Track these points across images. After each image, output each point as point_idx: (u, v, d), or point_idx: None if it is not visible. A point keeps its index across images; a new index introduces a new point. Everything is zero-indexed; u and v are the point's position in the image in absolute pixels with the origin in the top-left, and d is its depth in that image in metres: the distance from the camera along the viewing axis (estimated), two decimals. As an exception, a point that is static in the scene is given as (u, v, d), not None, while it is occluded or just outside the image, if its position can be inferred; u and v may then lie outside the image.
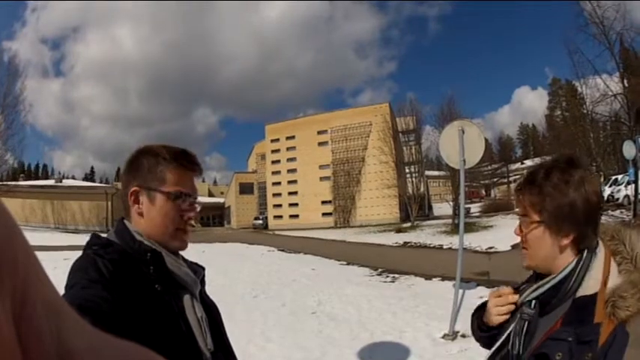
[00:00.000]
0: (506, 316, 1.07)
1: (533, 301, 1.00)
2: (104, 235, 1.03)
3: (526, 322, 1.00)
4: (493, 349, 1.07)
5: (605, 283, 0.93)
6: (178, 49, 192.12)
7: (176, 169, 1.05)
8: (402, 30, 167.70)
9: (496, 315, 1.08)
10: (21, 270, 0.23)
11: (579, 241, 0.97)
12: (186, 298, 1.02)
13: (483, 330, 1.15)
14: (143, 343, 0.29)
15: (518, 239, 1.07)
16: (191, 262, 1.12)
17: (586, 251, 0.97)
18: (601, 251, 0.98)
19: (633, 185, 16.02)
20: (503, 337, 1.05)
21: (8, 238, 0.23)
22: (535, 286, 1.01)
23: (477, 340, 1.22)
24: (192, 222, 1.09)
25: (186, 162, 1.07)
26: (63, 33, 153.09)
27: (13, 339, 0.21)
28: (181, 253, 1.11)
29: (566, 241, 0.97)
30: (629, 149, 13.60)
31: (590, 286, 0.94)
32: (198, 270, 1.11)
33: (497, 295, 1.10)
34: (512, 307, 1.06)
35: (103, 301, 0.82)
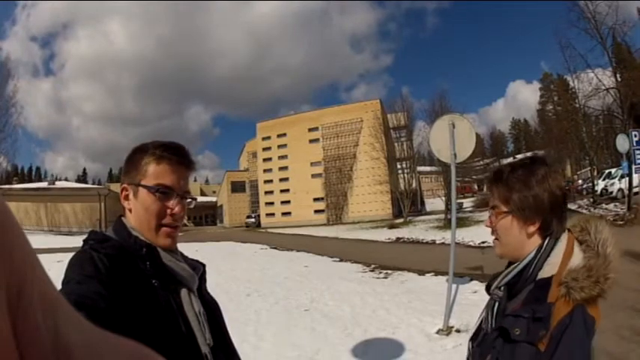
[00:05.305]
0: None
1: (503, 286, 1.11)
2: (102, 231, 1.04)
3: (496, 303, 1.10)
4: (474, 328, 1.18)
5: (563, 267, 1.01)
6: (170, 46, 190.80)
7: (159, 162, 1.03)
8: (400, 23, 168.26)
9: None
10: (17, 263, 0.22)
11: (544, 230, 1.06)
12: (184, 293, 1.01)
13: None
14: (140, 339, 0.29)
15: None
16: (191, 259, 1.12)
17: (547, 239, 1.05)
18: (563, 240, 1.06)
19: (627, 179, 16.17)
20: (482, 318, 1.16)
21: (3, 231, 0.22)
22: (504, 272, 1.11)
23: None
24: (183, 219, 1.07)
25: (168, 154, 1.03)
26: (53, 30, 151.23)
27: (9, 332, 0.21)
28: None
29: (532, 229, 1.06)
30: (622, 143, 13.73)
31: (548, 270, 1.02)
32: (197, 266, 1.10)
33: None
34: None
35: (99, 297, 0.81)
